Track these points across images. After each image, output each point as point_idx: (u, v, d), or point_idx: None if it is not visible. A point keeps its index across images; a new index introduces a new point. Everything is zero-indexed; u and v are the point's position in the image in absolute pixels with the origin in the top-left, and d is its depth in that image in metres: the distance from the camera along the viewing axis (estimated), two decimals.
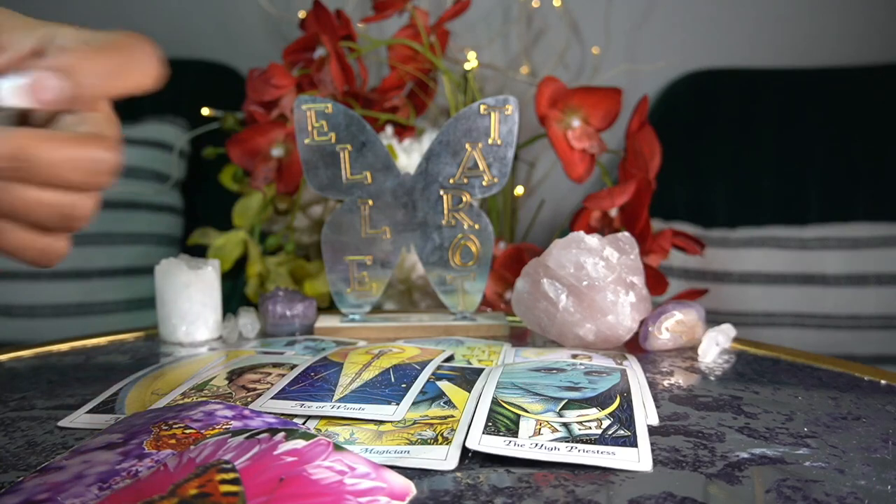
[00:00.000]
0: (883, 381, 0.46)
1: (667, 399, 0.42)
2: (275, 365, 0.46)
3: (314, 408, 0.38)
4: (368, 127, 0.55)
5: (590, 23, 1.18)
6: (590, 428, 0.35)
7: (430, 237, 0.57)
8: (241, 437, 0.30)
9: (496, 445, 0.33)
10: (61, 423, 0.39)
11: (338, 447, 0.29)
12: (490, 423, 0.35)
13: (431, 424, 0.36)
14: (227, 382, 0.43)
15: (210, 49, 1.25)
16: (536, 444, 0.33)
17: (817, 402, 0.41)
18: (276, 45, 1.24)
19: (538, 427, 0.35)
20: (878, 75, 1.13)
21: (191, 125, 1.13)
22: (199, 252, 0.76)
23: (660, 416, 0.38)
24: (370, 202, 0.56)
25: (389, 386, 0.41)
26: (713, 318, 0.56)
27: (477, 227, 0.57)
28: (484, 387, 0.41)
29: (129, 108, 1.16)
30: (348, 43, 0.73)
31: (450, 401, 0.39)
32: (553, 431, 0.35)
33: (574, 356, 0.48)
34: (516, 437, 0.34)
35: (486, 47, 1.18)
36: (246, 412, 0.34)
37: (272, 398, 0.39)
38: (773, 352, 0.53)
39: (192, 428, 0.32)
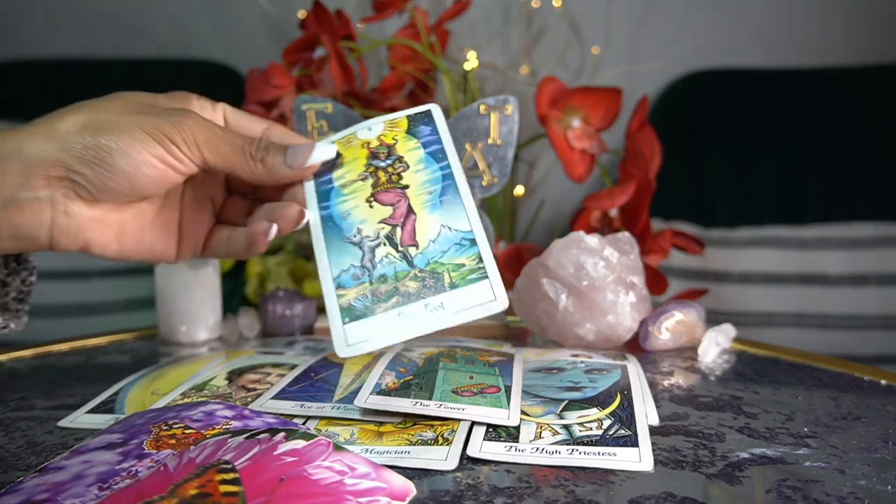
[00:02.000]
0: (883, 381, 0.46)
1: (667, 399, 0.42)
2: (275, 365, 0.46)
3: (314, 408, 0.38)
4: None
5: (590, 23, 1.18)
6: (591, 429, 0.35)
7: None
8: (241, 438, 0.30)
9: (497, 452, 0.33)
10: (61, 423, 0.39)
11: (338, 447, 0.29)
12: (491, 429, 0.35)
13: (432, 425, 0.36)
14: (227, 382, 0.43)
15: (210, 49, 1.25)
16: (538, 449, 0.33)
17: (817, 402, 0.41)
18: (276, 45, 1.24)
19: (539, 431, 0.35)
20: (878, 75, 1.13)
21: None
22: None
23: (660, 416, 0.38)
24: None
25: None
26: (713, 318, 0.56)
27: None
28: None
29: None
30: (348, 43, 0.73)
31: None
32: (554, 434, 0.35)
33: (574, 356, 0.48)
34: (517, 441, 0.34)
35: (486, 47, 1.17)
36: (246, 412, 0.34)
37: (272, 398, 0.39)
38: (773, 352, 0.53)
39: (192, 428, 0.32)
